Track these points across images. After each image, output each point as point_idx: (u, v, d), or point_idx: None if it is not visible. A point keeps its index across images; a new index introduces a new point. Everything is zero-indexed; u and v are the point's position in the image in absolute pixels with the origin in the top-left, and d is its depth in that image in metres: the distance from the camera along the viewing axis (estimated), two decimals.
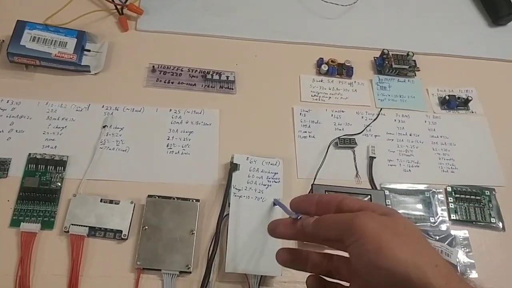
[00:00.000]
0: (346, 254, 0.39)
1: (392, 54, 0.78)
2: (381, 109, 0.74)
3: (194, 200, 0.59)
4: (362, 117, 0.73)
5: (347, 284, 0.40)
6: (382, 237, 0.33)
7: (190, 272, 0.55)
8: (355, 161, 0.68)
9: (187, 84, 0.71)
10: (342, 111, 0.73)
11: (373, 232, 0.33)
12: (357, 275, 0.37)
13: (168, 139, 0.65)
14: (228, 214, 0.58)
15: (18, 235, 0.55)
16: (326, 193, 0.61)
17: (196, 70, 0.72)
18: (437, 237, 0.62)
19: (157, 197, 0.59)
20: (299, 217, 0.41)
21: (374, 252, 0.32)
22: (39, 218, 0.56)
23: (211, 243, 0.56)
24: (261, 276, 0.55)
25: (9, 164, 0.60)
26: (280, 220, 0.42)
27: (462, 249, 0.62)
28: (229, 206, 0.59)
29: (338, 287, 0.40)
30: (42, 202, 0.57)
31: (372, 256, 0.32)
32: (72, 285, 0.52)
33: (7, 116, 0.64)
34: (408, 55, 0.78)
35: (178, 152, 0.64)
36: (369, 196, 0.62)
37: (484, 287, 0.33)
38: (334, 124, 0.71)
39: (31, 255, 0.54)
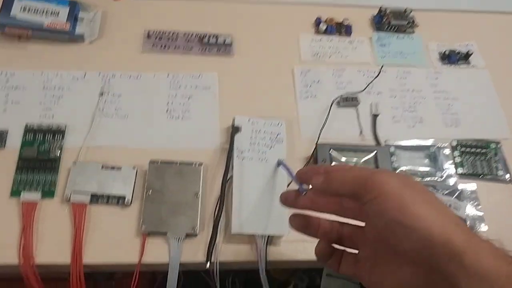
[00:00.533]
0: (355, 222, 0.40)
1: (390, 11, 0.76)
2: (382, 66, 0.72)
3: (197, 164, 0.58)
4: (364, 75, 0.71)
5: (356, 251, 0.40)
6: (404, 194, 0.32)
7: (196, 235, 0.54)
8: (358, 119, 0.67)
9: (183, 48, 0.69)
10: (343, 70, 0.71)
11: (395, 189, 0.32)
12: (368, 241, 0.38)
13: (168, 104, 0.64)
14: (232, 177, 0.57)
15: (19, 205, 0.54)
16: (331, 151, 0.60)
17: (192, 34, 0.71)
18: (445, 192, 0.62)
19: (159, 162, 0.58)
20: (304, 193, 0.41)
21: (397, 209, 0.32)
22: (39, 187, 0.55)
23: (217, 205, 0.55)
24: (268, 236, 0.55)
25: (6, 135, 0.58)
26: (288, 192, 0.42)
27: (470, 202, 0.61)
28: (232, 169, 0.58)
29: (345, 254, 0.40)
30: (41, 172, 0.56)
31: (396, 213, 0.32)
32: (76, 253, 0.52)
33: (2, 88, 0.62)
34: (405, 11, 0.76)
35: (178, 117, 0.63)
36: (375, 152, 0.61)
37: (504, 248, 0.32)
38: (336, 83, 0.70)
39: (33, 225, 0.53)
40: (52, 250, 0.52)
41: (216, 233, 0.54)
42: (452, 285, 0.30)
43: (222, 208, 0.55)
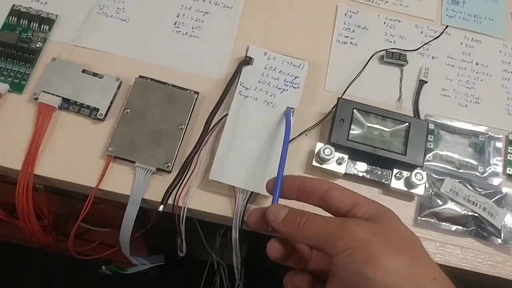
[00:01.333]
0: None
1: None
2: (447, 26, 0.59)
3: (193, 92, 0.49)
4: (422, 32, 0.58)
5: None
6: (374, 247, 0.29)
7: (169, 172, 0.46)
8: (401, 82, 0.55)
9: None
10: (398, 21, 0.58)
11: (364, 239, 0.29)
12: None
13: (178, 16, 0.54)
14: (226, 115, 0.48)
15: None
16: (354, 112, 0.49)
17: None
18: (482, 192, 0.50)
19: (149, 79, 0.49)
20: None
21: (363, 261, 0.29)
22: (9, 78, 0.48)
23: (197, 140, 0.46)
24: (251, 192, 0.45)
25: None
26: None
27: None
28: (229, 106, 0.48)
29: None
30: (16, 62, 0.49)
31: (361, 265, 0.28)
32: (29, 159, 0.45)
33: None
34: None
35: (186, 33, 0.53)
36: (407, 125, 0.49)
37: None
38: (385, 34, 0.57)
39: None
40: (5, 151, 0.46)
41: (185, 170, 0.45)
42: None
43: (200, 147, 0.45)
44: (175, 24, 0.54)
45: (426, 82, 0.54)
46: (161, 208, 0.43)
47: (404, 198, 0.49)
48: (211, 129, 0.47)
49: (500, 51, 0.59)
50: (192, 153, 0.45)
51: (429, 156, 0.51)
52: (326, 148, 0.47)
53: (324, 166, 0.48)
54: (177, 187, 0.44)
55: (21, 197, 0.45)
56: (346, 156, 0.48)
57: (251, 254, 0.89)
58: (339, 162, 0.48)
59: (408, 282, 0.28)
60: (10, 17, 0.51)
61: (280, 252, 0.35)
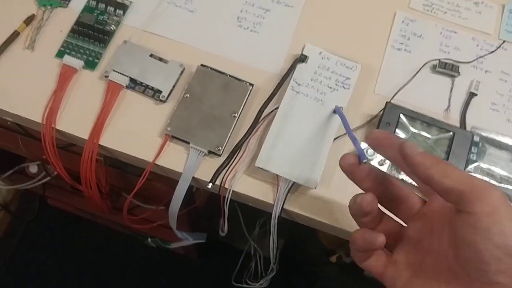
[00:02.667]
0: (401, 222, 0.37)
1: None
2: (504, 41, 0.59)
3: (248, 83, 0.52)
4: (478, 45, 0.59)
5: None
6: (504, 212, 0.28)
7: (220, 155, 0.49)
8: (451, 92, 0.56)
9: None
10: (455, 32, 0.59)
11: (504, 209, 0.28)
12: (422, 250, 0.33)
13: (241, 11, 0.57)
14: (277, 108, 0.51)
15: (60, 66, 0.52)
16: (401, 115, 0.51)
17: None
18: None
19: (209, 68, 0.53)
20: (364, 161, 0.36)
21: (498, 230, 0.28)
22: (84, 56, 0.53)
23: (248, 129, 0.49)
24: (293, 182, 0.48)
25: None
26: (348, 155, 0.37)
27: None
28: (282, 100, 0.51)
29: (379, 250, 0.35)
30: (92, 41, 0.54)
31: (494, 232, 0.28)
32: (96, 131, 0.49)
33: None
34: None
35: (247, 28, 0.57)
36: (452, 134, 0.50)
37: None
38: (440, 44, 0.58)
39: (66, 90, 0.51)
40: (75, 121, 0.51)
41: (234, 155, 0.48)
42: None
43: (249, 135, 0.49)
44: (237, 18, 0.57)
45: (476, 94, 0.55)
46: (209, 186, 0.46)
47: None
48: (262, 119, 0.50)
49: None
50: (242, 139, 0.48)
51: (470, 167, 0.52)
52: (369, 148, 0.49)
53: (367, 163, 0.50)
54: (225, 170, 0.48)
55: (86, 164, 0.49)
56: None
57: (289, 248, 0.92)
58: (381, 163, 0.50)
59: None
60: (90, 1, 0.56)
61: (371, 206, 0.35)
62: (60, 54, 0.53)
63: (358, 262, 0.36)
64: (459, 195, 0.30)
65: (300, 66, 0.53)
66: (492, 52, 0.58)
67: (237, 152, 0.48)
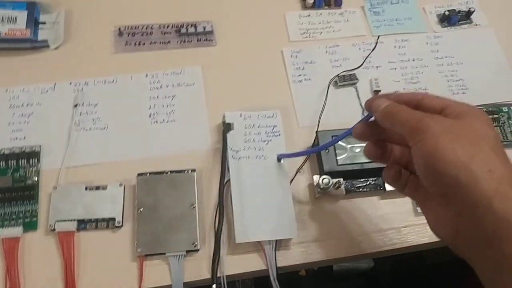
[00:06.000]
0: None
1: None
2: (378, 36, 0.66)
3: (190, 171, 0.53)
4: (360, 48, 0.65)
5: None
6: (440, 139, 0.33)
7: (198, 250, 0.49)
8: (359, 98, 0.61)
9: (160, 43, 0.63)
10: (337, 46, 0.65)
11: (434, 135, 0.33)
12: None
13: (150, 108, 0.58)
14: (229, 180, 0.52)
15: (0, 243, 0.49)
16: (333, 138, 0.55)
17: (168, 26, 0.64)
18: None
19: (148, 174, 0.52)
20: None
21: (429, 154, 0.33)
22: (19, 220, 0.50)
23: (216, 214, 0.50)
24: (276, 240, 0.50)
25: None
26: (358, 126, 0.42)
27: None
28: (228, 171, 0.52)
29: (410, 178, 0.40)
30: (20, 202, 0.51)
31: (427, 158, 0.33)
32: (69, 287, 0.47)
33: None
34: None
35: (163, 120, 0.57)
36: None
37: None
38: (330, 62, 0.64)
39: (18, 263, 0.48)
40: None
41: (219, 246, 0.49)
42: (479, 228, 0.32)
43: (223, 217, 0.50)
44: (150, 116, 0.57)
45: (380, 90, 0.61)
46: (214, 286, 0.46)
47: (401, 195, 0.54)
48: (222, 197, 0.51)
49: (427, 43, 0.67)
50: (219, 226, 0.49)
51: None
52: (323, 178, 0.53)
53: (326, 194, 0.53)
54: (216, 262, 0.48)
55: None
56: (341, 179, 0.53)
57: None
58: (337, 186, 0.53)
59: (464, 173, 0.31)
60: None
61: (373, 151, 0.41)
62: None
63: (399, 191, 0.41)
64: (404, 136, 0.35)
65: (230, 134, 0.54)
66: (373, 49, 0.65)
67: (219, 240, 0.48)
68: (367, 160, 0.53)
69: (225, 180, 0.52)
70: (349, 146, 0.55)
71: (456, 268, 0.68)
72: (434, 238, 0.47)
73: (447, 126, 0.33)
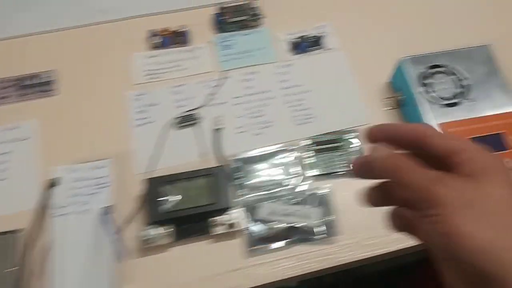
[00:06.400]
0: None
1: (229, 6, 0.70)
2: (226, 71, 0.66)
3: (13, 232, 0.53)
4: (205, 85, 0.66)
5: None
6: (457, 220, 0.26)
7: None
8: (202, 138, 0.61)
9: None
10: (183, 85, 0.66)
11: (449, 212, 0.26)
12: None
13: None
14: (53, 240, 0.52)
15: None
16: (163, 185, 0.55)
17: (9, 80, 0.64)
18: (292, 202, 0.57)
19: None
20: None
21: (446, 236, 0.26)
22: None
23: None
24: None
25: None
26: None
27: (320, 207, 0.56)
28: (52, 231, 0.52)
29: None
30: None
31: (445, 242, 0.26)
32: None
33: None
34: (245, 3, 0.70)
35: None
36: (211, 175, 0.56)
37: None
38: (175, 102, 0.64)
39: None
40: None
41: None
42: None
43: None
44: None
45: (219, 128, 0.62)
46: None
47: (229, 237, 0.54)
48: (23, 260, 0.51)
49: (275, 73, 0.67)
50: None
51: (243, 191, 0.57)
52: (149, 229, 0.53)
53: (154, 244, 0.53)
54: None
55: None
56: (170, 227, 0.53)
57: None
58: (167, 234, 0.53)
59: (493, 264, 0.25)
60: None
61: (374, 199, 0.32)
62: None
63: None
64: (412, 204, 0.28)
65: (56, 190, 0.54)
66: (218, 86, 0.65)
67: None
68: (194, 205, 0.54)
69: (50, 244, 0.52)
70: (179, 191, 0.55)
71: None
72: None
73: (463, 195, 0.27)
